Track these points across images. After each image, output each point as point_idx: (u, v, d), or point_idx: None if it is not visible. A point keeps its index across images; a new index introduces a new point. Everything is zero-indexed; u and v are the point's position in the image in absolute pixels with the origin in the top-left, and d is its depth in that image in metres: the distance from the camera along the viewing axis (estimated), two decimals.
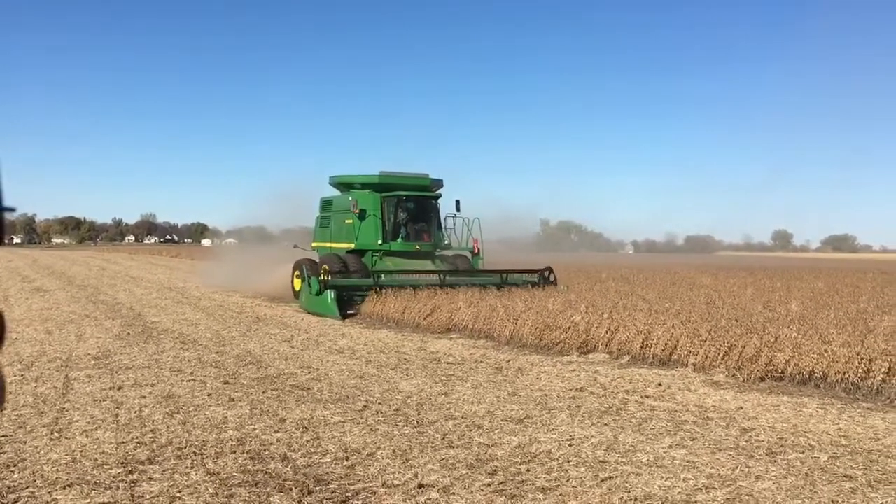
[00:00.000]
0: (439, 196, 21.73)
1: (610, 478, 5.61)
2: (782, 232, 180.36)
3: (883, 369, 8.79)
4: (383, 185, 20.93)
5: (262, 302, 20.78)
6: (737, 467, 5.90)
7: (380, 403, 8.12)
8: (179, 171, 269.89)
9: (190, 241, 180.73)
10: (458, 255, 21.60)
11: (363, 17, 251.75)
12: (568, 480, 5.55)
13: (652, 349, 11.03)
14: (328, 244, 21.80)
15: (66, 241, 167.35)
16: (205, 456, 6.08)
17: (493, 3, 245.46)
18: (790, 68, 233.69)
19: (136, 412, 7.55)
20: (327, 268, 19.34)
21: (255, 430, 6.92)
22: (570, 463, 5.98)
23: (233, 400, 8.18)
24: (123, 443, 6.42)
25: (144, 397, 8.25)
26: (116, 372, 9.81)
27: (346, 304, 17.33)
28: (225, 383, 9.15)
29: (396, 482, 5.50)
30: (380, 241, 20.36)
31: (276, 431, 6.88)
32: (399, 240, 20.54)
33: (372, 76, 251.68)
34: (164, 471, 5.69)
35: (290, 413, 7.59)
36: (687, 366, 10.41)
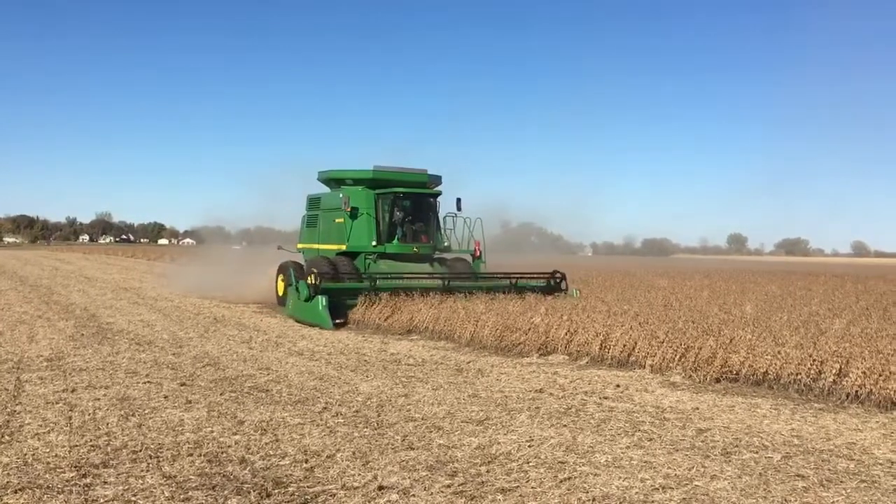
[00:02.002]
0: (439, 193, 19.87)
1: (569, 478, 5.65)
2: (737, 235, 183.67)
3: (834, 370, 8.99)
4: (378, 182, 19.16)
5: (220, 303, 20.53)
6: (693, 467, 5.99)
7: (339, 405, 8.08)
8: (136, 169, 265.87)
9: (146, 240, 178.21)
10: (457, 258, 19.99)
11: None
12: (527, 481, 5.58)
13: (610, 351, 11.14)
14: (316, 245, 20.09)
15: (18, 241, 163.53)
16: (161, 459, 5.99)
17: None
18: (747, 75, 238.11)
19: (89, 415, 7.41)
20: (315, 271, 17.31)
21: (212, 432, 6.84)
22: (530, 464, 6.02)
23: (190, 402, 8.08)
24: (77, 446, 6.30)
25: (99, 399, 8.10)
26: (70, 374, 9.61)
27: (337, 312, 15.78)
28: (182, 385, 9.02)
29: (356, 484, 5.48)
30: (374, 243, 18.63)
31: (235, 434, 6.80)
32: (395, 241, 18.79)
33: (355, 69, 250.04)
34: (118, 474, 5.60)
35: (248, 415, 7.52)
36: (645, 367, 10.54)
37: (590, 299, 16.05)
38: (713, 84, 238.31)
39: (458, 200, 19.79)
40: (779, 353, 9.63)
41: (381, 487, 5.41)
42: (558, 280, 18.51)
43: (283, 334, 14.23)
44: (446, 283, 16.93)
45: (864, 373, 8.68)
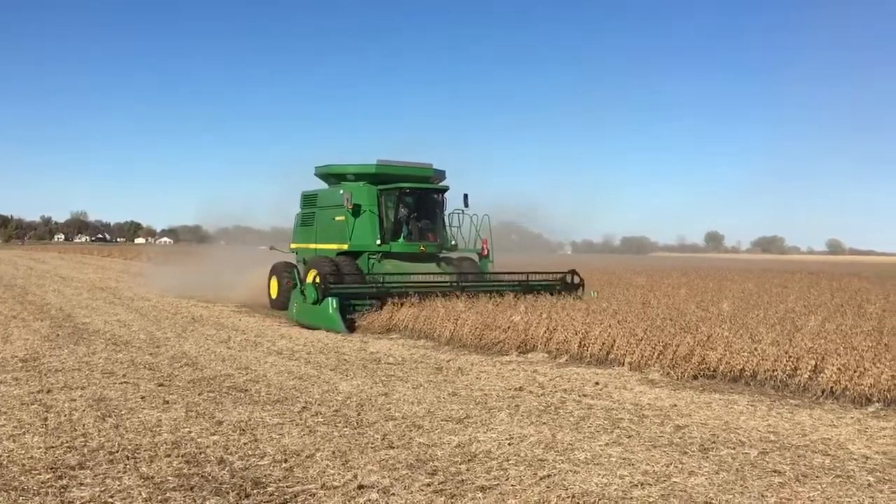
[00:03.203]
0: (446, 189, 18.83)
1: (548, 476, 5.67)
2: (714, 234, 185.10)
3: (809, 367, 9.10)
4: (381, 177, 18.20)
5: (197, 302, 20.38)
6: (671, 463, 6.04)
7: (319, 404, 8.06)
8: (112, 167, 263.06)
9: (122, 240, 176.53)
10: (463, 258, 19.05)
11: None
12: (507, 479, 5.60)
13: (589, 348, 11.20)
14: (313, 245, 19.09)
15: None
16: (138, 460, 5.94)
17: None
18: (725, 74, 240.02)
19: (65, 416, 7.33)
20: (316, 271, 16.62)
21: (190, 432, 6.79)
22: (510, 462, 6.03)
23: (167, 402, 8.01)
24: (53, 447, 6.23)
25: (75, 400, 8.01)
26: (45, 374, 9.50)
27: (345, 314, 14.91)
28: (159, 385, 8.95)
29: (336, 483, 5.47)
30: (378, 242, 17.60)
31: (213, 434, 6.76)
32: (401, 239, 17.81)
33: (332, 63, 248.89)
34: (95, 476, 5.54)
35: (227, 415, 7.47)
36: (623, 365, 10.60)
37: (569, 297, 16.10)
38: (692, 83, 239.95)
39: (466, 196, 18.90)
40: (755, 349, 9.73)
41: (360, 487, 5.40)
42: (575, 280, 17.49)
43: (261, 333, 14.16)
44: (459, 283, 16.07)
45: (839, 369, 8.79)
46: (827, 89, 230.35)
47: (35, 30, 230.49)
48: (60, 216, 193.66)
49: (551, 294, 16.22)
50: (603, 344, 11.15)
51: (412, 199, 18.25)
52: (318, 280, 15.37)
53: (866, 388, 8.42)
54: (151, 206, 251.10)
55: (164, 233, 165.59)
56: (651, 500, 5.22)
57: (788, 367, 9.27)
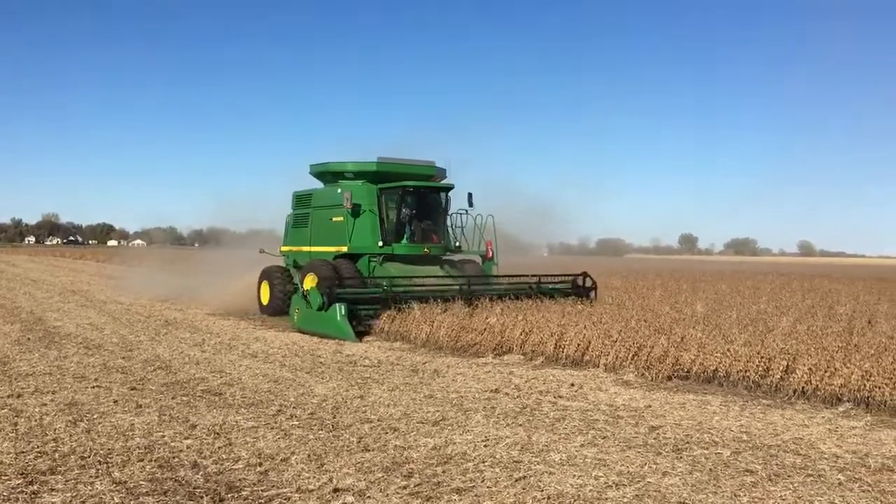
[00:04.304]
0: (451, 187, 17.84)
1: (524, 477, 5.69)
2: (688, 236, 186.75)
3: (781, 367, 9.21)
4: (381, 175, 17.34)
5: (171, 305, 20.20)
6: (645, 464, 6.08)
7: (294, 407, 8.02)
8: (84, 169, 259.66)
9: (95, 242, 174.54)
10: (465, 260, 18.10)
11: None
12: (483, 481, 5.61)
13: (565, 350, 11.25)
14: (307, 248, 18.26)
15: None
16: (110, 464, 5.88)
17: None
18: (688, 79, 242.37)
19: (36, 420, 7.23)
20: (313, 276, 15.84)
21: (163, 437, 6.73)
22: (486, 463, 6.04)
23: (140, 406, 7.93)
24: (23, 452, 6.14)
25: (45, 405, 7.91)
26: (15, 379, 9.37)
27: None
28: (132, 389, 8.86)
29: (311, 487, 5.45)
30: (380, 243, 16.72)
31: (187, 438, 6.70)
32: (404, 241, 16.94)
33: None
34: (66, 481, 5.48)
35: (201, 419, 7.41)
36: (598, 366, 10.66)
37: (545, 300, 16.13)
38: (665, 87, 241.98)
39: (470, 196, 17.93)
40: (728, 350, 9.83)
41: (336, 490, 5.39)
42: (586, 284, 16.66)
43: (236, 337, 14.06)
44: (468, 287, 15.28)
45: (810, 369, 8.91)
46: (798, 93, 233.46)
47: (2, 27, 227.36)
48: (31, 218, 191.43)
49: (565, 297, 15.56)
50: (578, 345, 11.20)
51: (415, 198, 17.25)
52: (322, 284, 14.58)
53: (837, 388, 8.54)
54: (123, 207, 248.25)
55: (138, 235, 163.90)
56: (625, 500, 5.25)
57: (761, 368, 9.38)
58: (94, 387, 8.96)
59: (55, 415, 7.48)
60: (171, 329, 14.99)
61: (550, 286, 16.55)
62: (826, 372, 8.79)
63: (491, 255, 17.91)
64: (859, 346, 9.39)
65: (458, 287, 15.36)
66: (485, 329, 12.52)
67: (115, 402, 8.14)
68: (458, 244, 17.90)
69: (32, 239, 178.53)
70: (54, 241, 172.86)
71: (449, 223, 17.90)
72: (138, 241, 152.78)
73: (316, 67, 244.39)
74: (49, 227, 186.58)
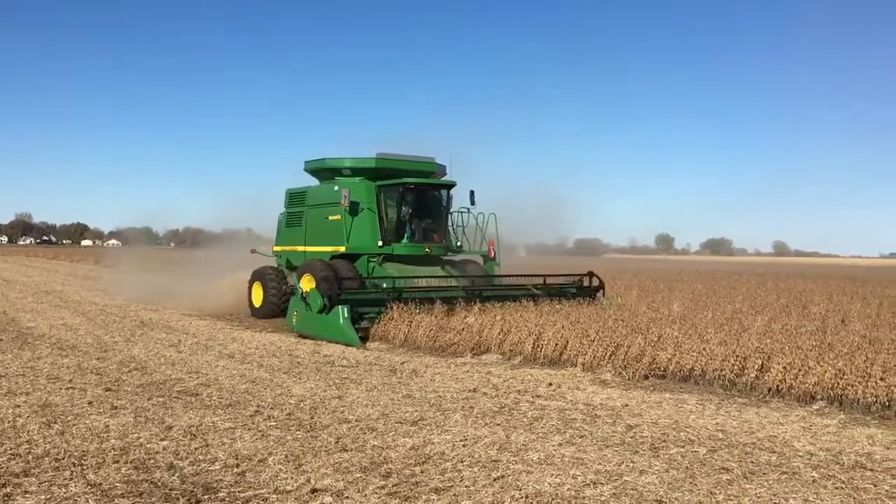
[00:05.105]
0: (453, 185, 17.12)
1: (502, 476, 5.70)
2: (665, 236, 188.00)
3: (756, 366, 9.31)
4: (381, 172, 16.73)
5: (146, 306, 20.01)
6: (622, 462, 6.12)
7: (272, 408, 7.98)
8: (58, 168, 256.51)
9: (69, 242, 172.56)
10: (467, 261, 17.51)
11: None
12: (461, 480, 5.61)
13: (543, 349, 11.29)
14: (301, 248, 17.58)
15: None
16: (85, 466, 5.81)
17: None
18: (666, 77, 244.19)
19: (9, 422, 7.14)
20: (310, 276, 15.34)
21: (139, 438, 6.66)
22: (464, 463, 6.05)
23: (115, 408, 7.85)
24: None
25: (19, 406, 7.81)
26: None
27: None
28: (107, 391, 8.77)
29: (289, 488, 5.42)
30: (380, 243, 16.13)
31: (163, 439, 6.64)
32: (404, 240, 16.31)
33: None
34: (40, 483, 5.41)
35: (177, 420, 7.36)
36: (576, 365, 10.71)
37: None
38: (641, 86, 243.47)
39: (472, 193, 17.32)
40: (704, 349, 9.92)
41: (314, 490, 5.37)
42: (592, 284, 16.25)
43: (212, 337, 13.96)
44: (479, 289, 14.87)
45: (784, 368, 9.00)
46: (775, 95, 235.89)
47: None
48: (4, 217, 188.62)
49: (573, 298, 15.15)
50: (556, 345, 11.25)
51: (415, 196, 16.59)
52: (322, 285, 14.03)
53: (811, 387, 8.64)
54: (98, 207, 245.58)
55: (113, 235, 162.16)
56: (603, 499, 5.28)
57: (736, 367, 9.47)
58: (68, 388, 8.86)
59: (29, 416, 7.39)
60: (146, 329, 14.85)
61: (560, 287, 16.13)
62: (800, 371, 8.89)
63: (493, 254, 17.41)
64: (833, 345, 9.51)
65: (464, 288, 14.97)
66: (463, 329, 12.54)
67: (90, 403, 8.06)
68: (459, 244, 17.37)
69: (5, 239, 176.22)
70: (27, 241, 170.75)
71: (450, 222, 17.31)
72: (113, 241, 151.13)
73: (315, 66, 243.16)
74: (22, 227, 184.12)
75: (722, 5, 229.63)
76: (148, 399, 8.34)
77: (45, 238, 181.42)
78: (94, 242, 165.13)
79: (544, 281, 16.01)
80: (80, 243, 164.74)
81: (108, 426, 7.07)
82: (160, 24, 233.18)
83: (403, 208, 16.42)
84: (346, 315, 13.24)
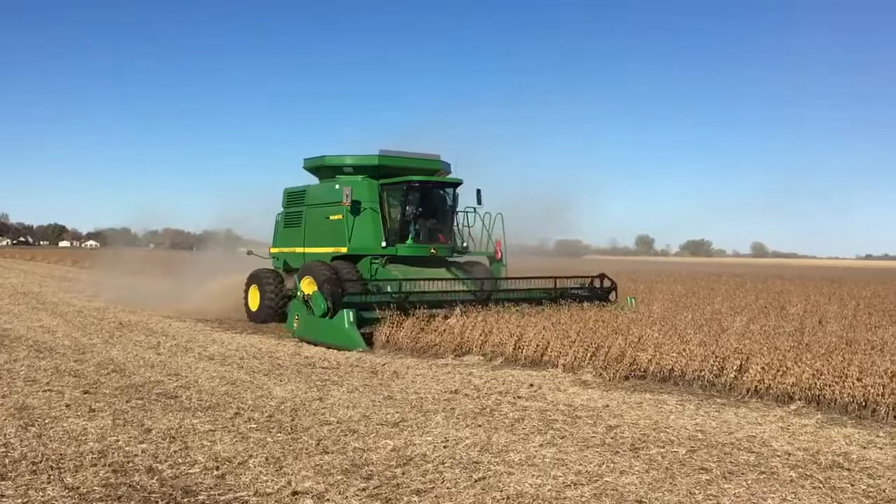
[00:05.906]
0: (460, 183, 16.46)
1: (483, 478, 5.71)
2: (644, 237, 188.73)
3: (735, 366, 9.38)
4: (383, 170, 16.19)
5: (125, 307, 19.84)
6: (603, 463, 6.14)
7: (252, 410, 7.93)
8: (34, 168, 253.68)
9: (46, 243, 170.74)
10: (473, 262, 17.02)
11: None
12: (443, 482, 5.61)
13: (524, 351, 11.31)
14: (300, 249, 17.08)
15: None
16: (62, 470, 5.75)
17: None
18: (646, 80, 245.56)
19: None
20: (311, 279, 14.85)
21: (117, 441, 6.60)
22: (445, 465, 6.05)
23: (93, 410, 7.78)
24: None
25: None
26: None
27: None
28: (85, 393, 8.69)
29: (269, 490, 5.40)
30: (383, 244, 15.58)
31: (141, 442, 6.59)
32: (409, 241, 15.71)
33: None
34: (17, 487, 5.35)
35: (156, 423, 7.30)
36: (557, 366, 10.74)
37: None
38: (622, 87, 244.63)
39: (479, 192, 16.72)
40: (684, 350, 9.98)
41: (295, 493, 5.34)
42: (605, 287, 15.88)
43: (192, 339, 13.87)
44: (490, 292, 14.51)
45: (762, 368, 9.08)
46: (754, 96, 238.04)
47: None
48: None
49: (587, 301, 14.84)
50: (537, 346, 11.28)
51: (420, 194, 15.95)
52: (325, 288, 13.54)
53: (789, 387, 8.72)
54: (75, 207, 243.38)
55: (91, 236, 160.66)
56: (584, 499, 5.30)
57: (715, 367, 9.55)
58: (45, 391, 8.77)
59: (5, 419, 7.31)
60: (125, 331, 14.73)
61: (572, 289, 15.70)
62: (778, 371, 8.97)
63: (500, 255, 16.81)
64: (810, 346, 9.60)
65: (474, 292, 14.58)
66: (444, 330, 12.54)
67: (68, 406, 7.97)
68: (465, 245, 16.84)
69: None
70: (4, 242, 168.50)
71: (456, 222, 16.75)
72: (91, 242, 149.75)
73: (315, 65, 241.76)
74: None
75: (722, 5, 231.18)
76: (127, 401, 8.27)
77: (21, 239, 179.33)
78: (72, 244, 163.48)
79: (555, 283, 15.60)
80: (57, 244, 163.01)
81: (86, 429, 7.00)
82: (160, 24, 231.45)
83: (408, 207, 15.83)
84: (351, 319, 12.84)
